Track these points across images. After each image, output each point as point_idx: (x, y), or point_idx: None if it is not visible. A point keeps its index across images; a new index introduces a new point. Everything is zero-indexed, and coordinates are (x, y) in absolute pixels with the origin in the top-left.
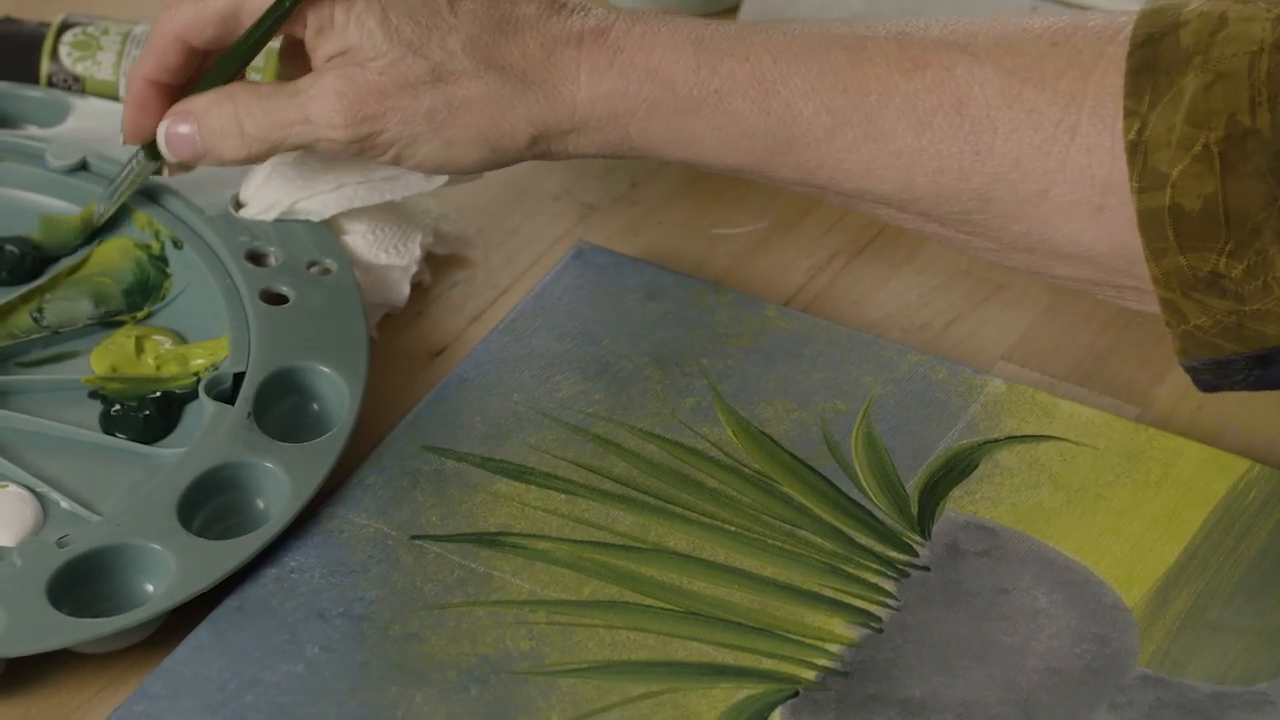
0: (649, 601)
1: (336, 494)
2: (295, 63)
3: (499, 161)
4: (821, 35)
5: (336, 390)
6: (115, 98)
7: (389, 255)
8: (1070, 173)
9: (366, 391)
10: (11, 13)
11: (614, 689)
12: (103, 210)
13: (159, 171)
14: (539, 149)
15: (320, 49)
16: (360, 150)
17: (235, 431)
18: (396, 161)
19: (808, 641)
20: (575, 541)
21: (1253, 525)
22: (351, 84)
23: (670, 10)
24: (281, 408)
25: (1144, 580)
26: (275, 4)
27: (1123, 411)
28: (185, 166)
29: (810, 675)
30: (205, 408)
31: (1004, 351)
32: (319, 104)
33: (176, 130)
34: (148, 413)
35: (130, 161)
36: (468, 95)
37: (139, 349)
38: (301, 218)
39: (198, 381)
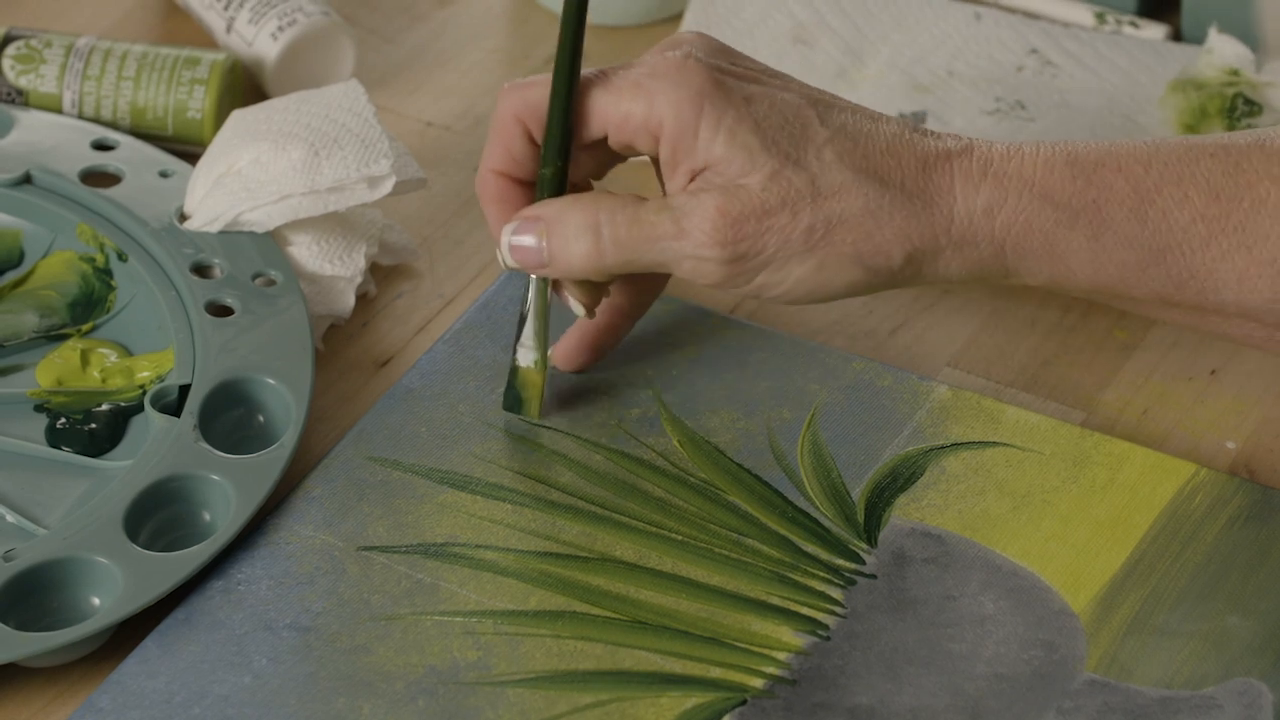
0: (596, 611)
1: (283, 506)
2: (589, 164)
3: (870, 284)
4: (1185, 144)
5: (282, 402)
6: (59, 110)
7: (334, 266)
8: None
9: (312, 403)
10: None
11: (561, 699)
12: (535, 357)
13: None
14: (911, 269)
15: (680, 166)
16: (729, 275)
17: (181, 444)
18: (761, 291)
19: (755, 650)
20: (522, 551)
21: (1199, 530)
22: (734, 201)
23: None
24: (227, 420)
25: (1091, 585)
26: (556, 75)
27: (1068, 417)
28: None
29: (758, 683)
30: (151, 420)
31: (949, 358)
32: (696, 220)
33: (520, 240)
34: (93, 426)
35: (529, 285)
36: (845, 210)
37: (84, 362)
38: (246, 229)
39: (143, 394)
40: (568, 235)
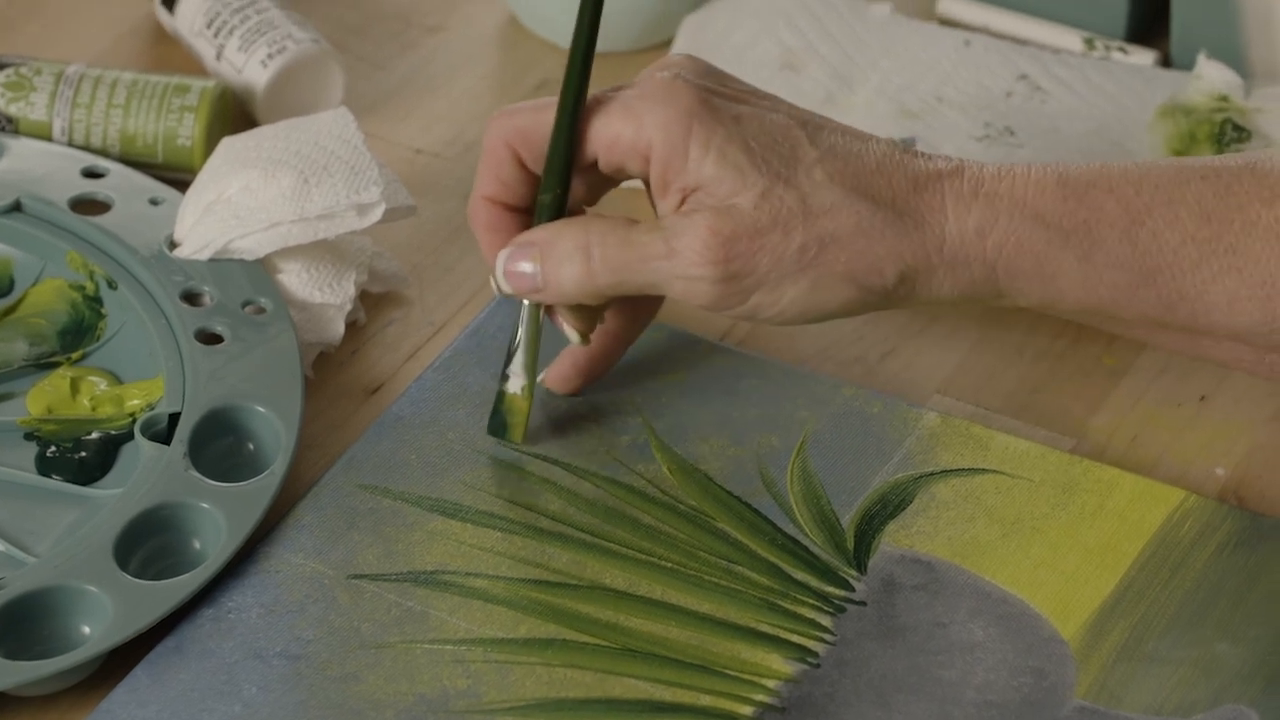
0: (586, 639)
1: (273, 534)
2: (581, 190)
3: (865, 303)
4: (1176, 166)
5: (272, 430)
6: (49, 138)
7: (324, 294)
8: None
9: (302, 430)
10: None
11: None
12: (524, 384)
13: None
14: (904, 289)
15: (670, 186)
16: (721, 295)
17: (171, 472)
18: (756, 312)
19: (745, 677)
20: (512, 579)
21: (1188, 556)
22: (725, 220)
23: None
24: (217, 448)
25: (1080, 612)
26: (562, 97)
27: (1058, 443)
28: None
29: (748, 711)
30: (141, 448)
31: (939, 384)
32: (687, 240)
33: (516, 266)
34: (83, 454)
35: (521, 311)
36: (837, 228)
37: (74, 390)
38: (236, 257)
39: (133, 422)
40: (559, 258)
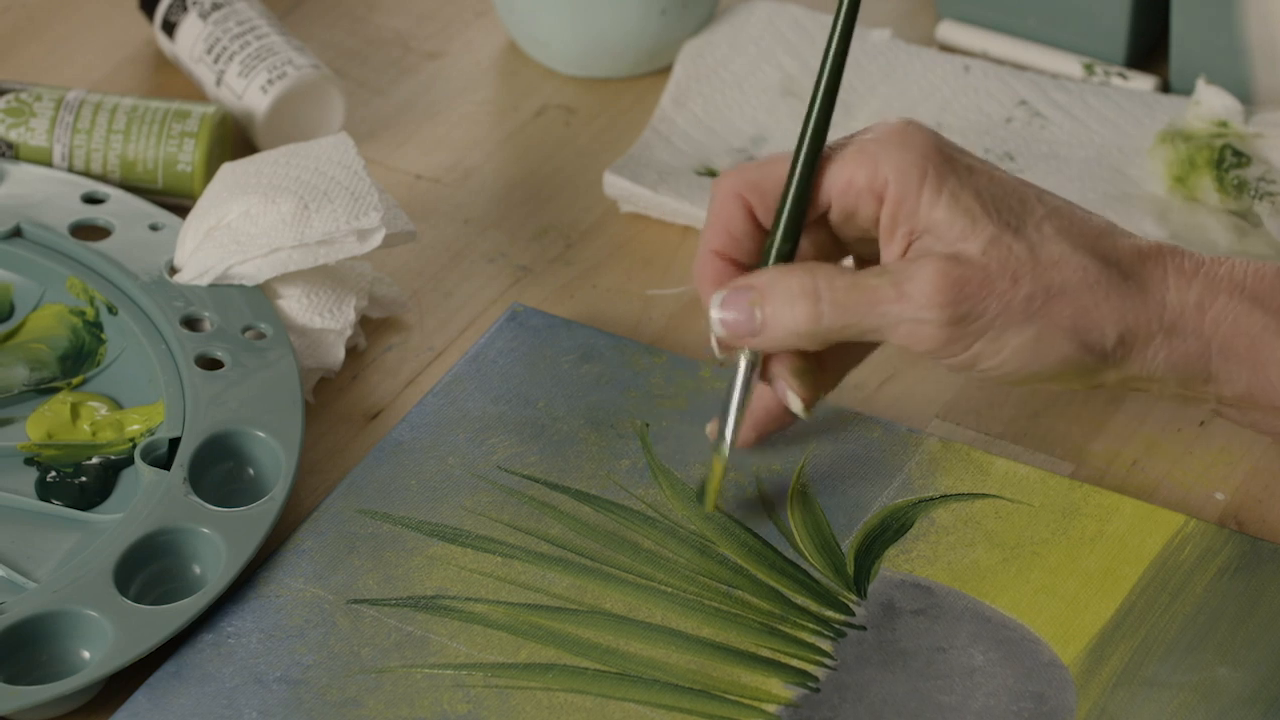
0: (586, 663)
1: (273, 559)
2: (817, 242)
3: (1082, 363)
4: None
5: (272, 455)
6: (49, 164)
7: (324, 319)
8: None
9: (302, 456)
10: None
11: None
12: (729, 438)
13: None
14: (1121, 351)
15: (898, 229)
16: (947, 338)
17: (171, 497)
18: (976, 361)
19: (745, 702)
20: (512, 604)
21: (1188, 581)
22: (954, 264)
23: None
24: (217, 473)
25: (1080, 637)
26: (806, 151)
27: (1058, 468)
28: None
29: None
30: (141, 473)
31: (939, 409)
32: (917, 283)
33: (730, 310)
34: (84, 479)
35: (738, 368)
36: (1065, 281)
37: (75, 415)
38: (236, 282)
39: (134, 447)
40: (784, 299)
